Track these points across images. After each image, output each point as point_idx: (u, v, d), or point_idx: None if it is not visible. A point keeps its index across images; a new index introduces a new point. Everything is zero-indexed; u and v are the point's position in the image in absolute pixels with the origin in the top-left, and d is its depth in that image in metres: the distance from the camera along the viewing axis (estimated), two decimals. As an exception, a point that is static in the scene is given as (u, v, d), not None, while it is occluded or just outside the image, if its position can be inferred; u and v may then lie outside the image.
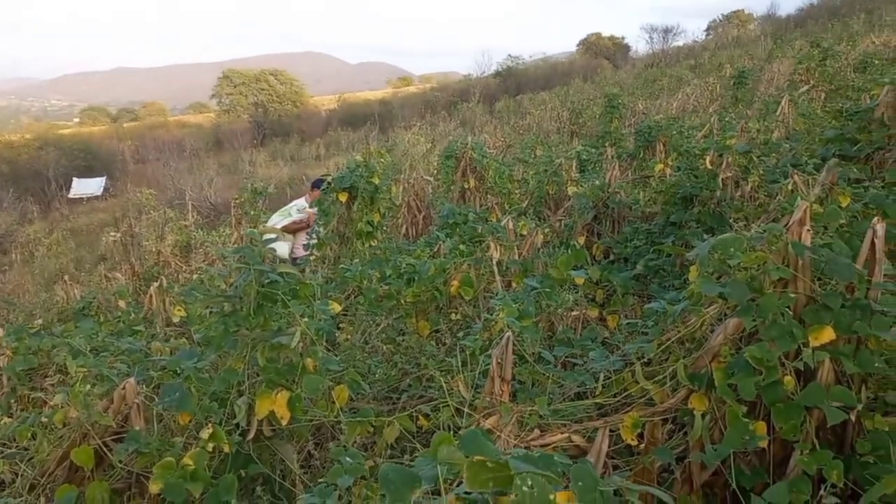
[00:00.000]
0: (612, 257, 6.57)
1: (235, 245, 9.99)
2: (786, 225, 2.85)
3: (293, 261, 8.61)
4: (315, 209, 8.43)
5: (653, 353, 2.84)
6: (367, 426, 3.31)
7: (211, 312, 3.31)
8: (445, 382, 2.99)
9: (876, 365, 2.56)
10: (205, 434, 2.55)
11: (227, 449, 2.60)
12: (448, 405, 2.81)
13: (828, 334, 2.59)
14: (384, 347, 4.48)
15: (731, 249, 2.78)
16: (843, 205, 4.17)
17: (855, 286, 2.72)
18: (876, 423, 2.58)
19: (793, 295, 2.71)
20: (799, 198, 4.15)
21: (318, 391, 3.10)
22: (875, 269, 2.76)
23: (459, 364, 3.14)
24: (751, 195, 5.50)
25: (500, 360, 2.74)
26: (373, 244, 7.42)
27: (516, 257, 5.63)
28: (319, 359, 3.29)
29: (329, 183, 7.66)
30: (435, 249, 6.16)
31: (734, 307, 2.75)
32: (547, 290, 4.19)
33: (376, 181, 7.76)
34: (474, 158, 9.48)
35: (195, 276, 9.27)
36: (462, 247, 5.80)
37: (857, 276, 2.69)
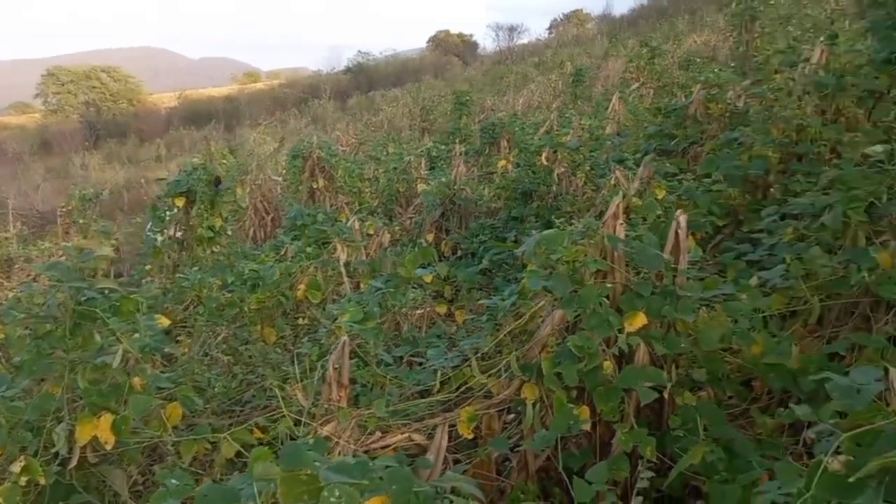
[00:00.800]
0: (459, 253, 6.74)
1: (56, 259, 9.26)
2: (602, 219, 3.05)
3: None
4: None
5: (487, 348, 2.94)
6: (204, 443, 3.20)
7: (28, 334, 3.07)
8: (282, 391, 2.94)
9: (682, 345, 2.80)
10: (16, 467, 2.36)
11: (42, 481, 2.42)
12: (285, 416, 2.77)
13: (640, 320, 2.80)
14: (224, 359, 4.33)
15: (555, 245, 2.93)
16: (660, 197, 4.52)
17: (663, 274, 2.96)
18: (685, 399, 2.82)
19: (610, 285, 2.91)
20: (620, 192, 4.46)
21: (146, 411, 2.96)
22: (680, 257, 3.01)
23: (297, 372, 3.11)
24: (581, 190, 5.82)
25: (336, 366, 2.74)
26: (215, 250, 7.16)
27: (364, 258, 5.64)
28: (148, 377, 3.14)
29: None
30: (281, 253, 6.05)
31: (559, 299, 2.91)
32: (391, 290, 4.23)
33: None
34: (322, 158, 9.37)
35: (11, 294, 8.50)
36: (309, 249, 5.73)
37: (665, 265, 2.92)
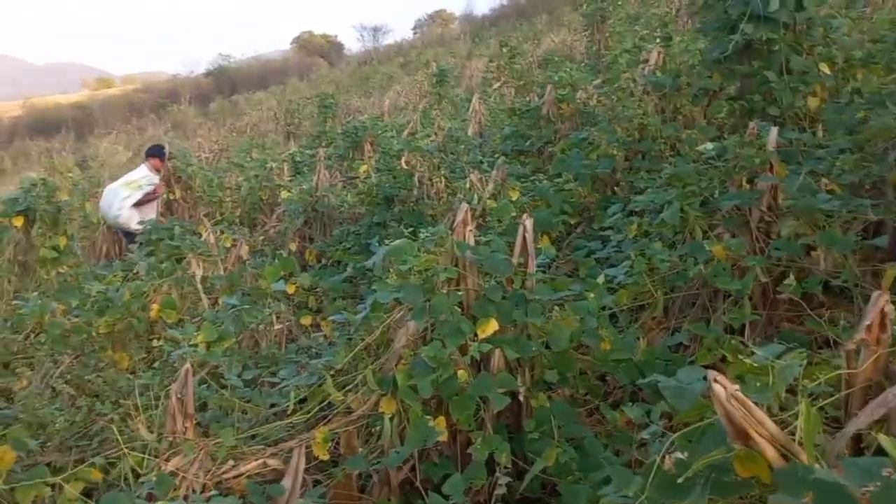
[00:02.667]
0: (324, 261, 6.60)
1: None
2: (451, 226, 3.05)
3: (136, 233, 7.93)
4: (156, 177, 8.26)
5: (341, 364, 2.86)
6: (43, 487, 2.92)
7: None
8: (122, 427, 2.74)
9: (534, 348, 2.84)
10: None
11: None
12: (126, 452, 2.57)
13: (492, 326, 2.81)
14: (67, 390, 4.00)
15: (405, 255, 2.89)
16: (514, 198, 4.59)
17: (513, 279, 2.99)
18: (540, 402, 2.86)
19: (461, 293, 2.90)
20: (475, 196, 4.49)
21: (-32, 461, 2.67)
22: (529, 261, 3.06)
23: (140, 403, 2.90)
24: (441, 193, 5.84)
25: (180, 396, 2.57)
26: (61, 271, 6.63)
27: (222, 272, 5.39)
28: (-29, 422, 2.84)
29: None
30: (133, 272, 5.67)
31: (411, 310, 2.87)
32: (247, 305, 4.05)
33: (64, 198, 6.96)
34: (178, 167, 8.90)
35: None
36: (163, 265, 5.41)
37: (514, 270, 2.95)
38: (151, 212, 8.19)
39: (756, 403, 1.59)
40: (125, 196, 8.06)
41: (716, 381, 1.52)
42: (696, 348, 3.34)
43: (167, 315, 4.89)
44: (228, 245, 5.47)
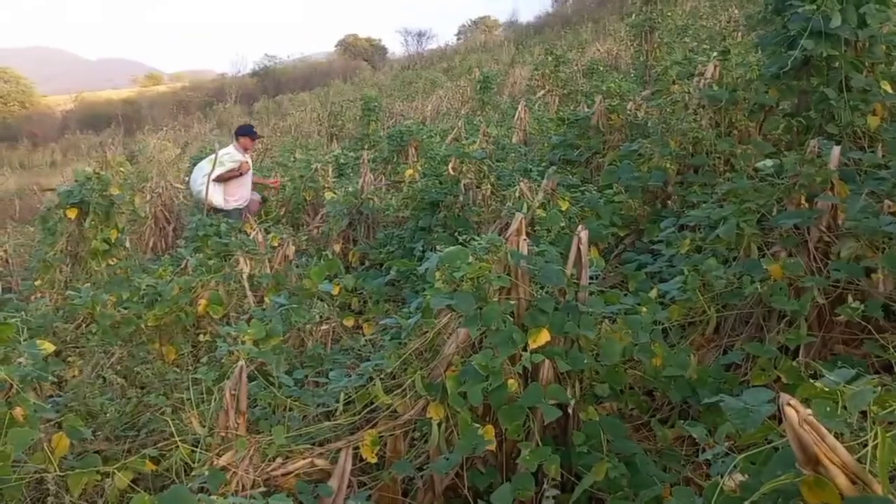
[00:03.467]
0: (367, 263, 6.64)
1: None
2: (506, 235, 3.04)
3: (227, 211, 8.23)
4: (247, 158, 8.52)
5: (391, 368, 2.87)
6: (94, 475, 2.99)
7: None
8: (174, 420, 2.78)
9: (585, 361, 2.82)
10: None
11: None
12: (179, 445, 2.62)
13: (544, 336, 2.80)
14: (118, 381, 4.08)
15: (458, 262, 2.89)
16: (563, 208, 4.57)
17: (566, 290, 2.97)
18: (589, 415, 2.84)
19: (513, 302, 2.89)
20: (525, 205, 4.48)
21: (27, 445, 2.74)
22: (582, 272, 3.04)
23: (193, 397, 2.94)
24: (488, 200, 5.84)
25: (233, 392, 2.60)
26: (111, 263, 6.78)
27: (268, 270, 5.45)
28: (30, 406, 2.91)
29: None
30: (182, 266, 5.78)
31: (463, 317, 2.87)
32: (294, 305, 4.09)
33: (115, 192, 7.11)
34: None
35: None
36: (210, 262, 5.50)
37: (567, 281, 2.94)
38: (239, 190, 8.48)
39: (827, 429, 1.56)
40: (207, 172, 8.30)
41: (789, 404, 1.49)
42: (748, 368, 3.28)
43: (214, 311, 4.98)
44: (275, 244, 5.52)
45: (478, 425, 2.66)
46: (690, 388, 2.91)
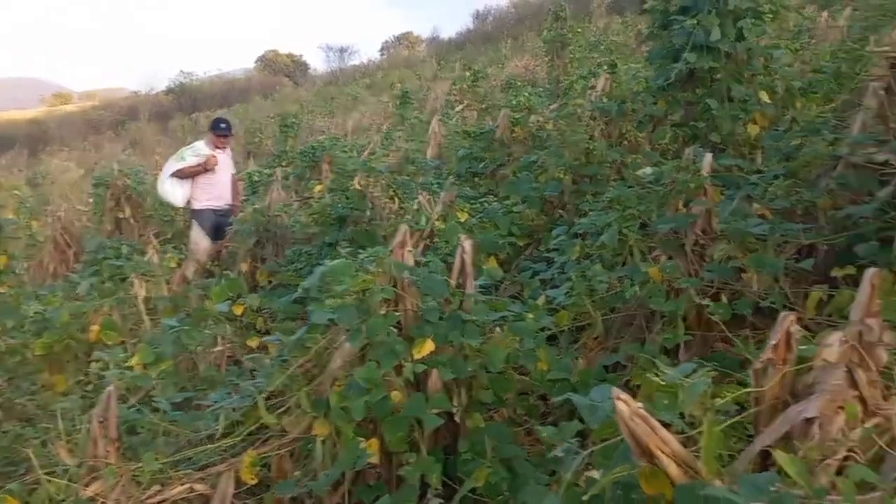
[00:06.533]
0: (276, 282, 6.54)
1: None
2: (391, 247, 3.06)
3: (193, 212, 7.36)
4: (217, 152, 7.48)
5: (273, 387, 2.84)
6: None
7: None
8: (43, 451, 2.67)
9: (469, 369, 2.85)
10: None
11: None
12: (45, 478, 2.51)
13: (428, 346, 2.82)
14: (-3, 414, 3.89)
15: (341, 276, 2.89)
16: (462, 220, 4.63)
17: (450, 300, 3.01)
18: (475, 422, 2.87)
19: (398, 313, 2.91)
20: (424, 217, 4.52)
21: None
22: (467, 281, 3.08)
23: (63, 427, 2.83)
24: (396, 214, 5.86)
25: (101, 419, 2.52)
26: (1, 291, 6.47)
27: (166, 292, 5.31)
28: None
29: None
30: (76, 292, 5.56)
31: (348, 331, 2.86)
32: (186, 328, 3.99)
33: (7, 216, 6.81)
34: (129, 185, 8.80)
35: None
36: (105, 286, 5.32)
37: (451, 291, 2.97)
38: (211, 190, 7.56)
39: (662, 422, 1.62)
40: (166, 168, 7.48)
41: (619, 399, 1.55)
42: (631, 369, 3.38)
43: (108, 337, 4.80)
44: (173, 265, 5.38)
45: (362, 439, 2.65)
46: (574, 390, 2.98)
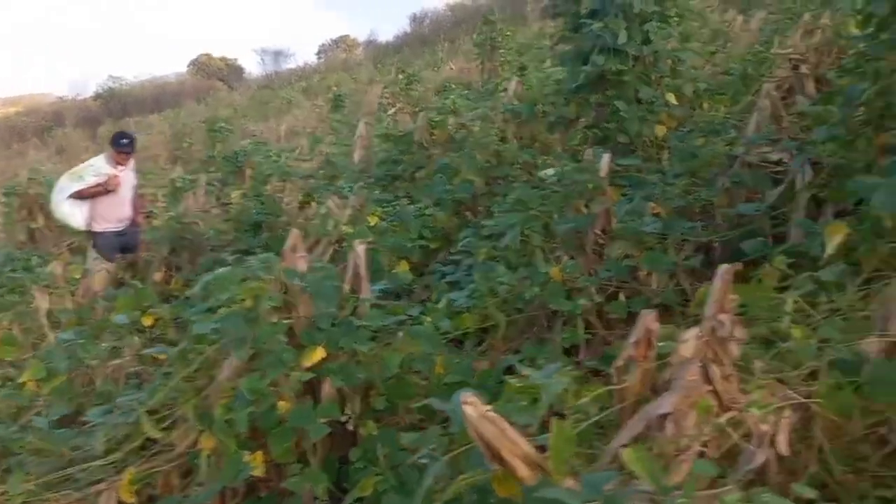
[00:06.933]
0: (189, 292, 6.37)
1: None
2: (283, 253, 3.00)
3: (94, 234, 6.58)
4: (120, 171, 6.61)
5: (155, 401, 2.75)
6: None
7: None
8: None
9: (360, 376, 2.81)
10: None
11: None
12: None
13: (319, 354, 2.77)
14: None
15: (227, 284, 2.82)
16: (373, 224, 4.59)
17: (344, 305, 2.97)
18: (368, 430, 2.83)
19: (287, 321, 2.85)
20: (333, 222, 4.46)
21: None
22: (361, 286, 3.05)
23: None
24: (311, 219, 5.77)
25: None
26: None
27: (70, 305, 5.11)
28: None
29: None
30: (-26, 306, 5.30)
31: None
32: (83, 340, 3.84)
33: None
34: (41, 194, 8.46)
35: None
36: (4, 298, 5.10)
37: (343, 297, 2.93)
38: (113, 210, 6.77)
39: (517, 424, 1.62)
40: (62, 187, 6.70)
41: (467, 402, 1.53)
42: (533, 369, 3.39)
43: (5, 352, 4.59)
44: (78, 276, 5.19)
45: (246, 452, 2.58)
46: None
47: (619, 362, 1.88)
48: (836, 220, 2.72)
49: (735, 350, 1.82)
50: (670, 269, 3.33)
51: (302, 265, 2.98)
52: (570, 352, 3.48)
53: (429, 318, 3.16)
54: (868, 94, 3.14)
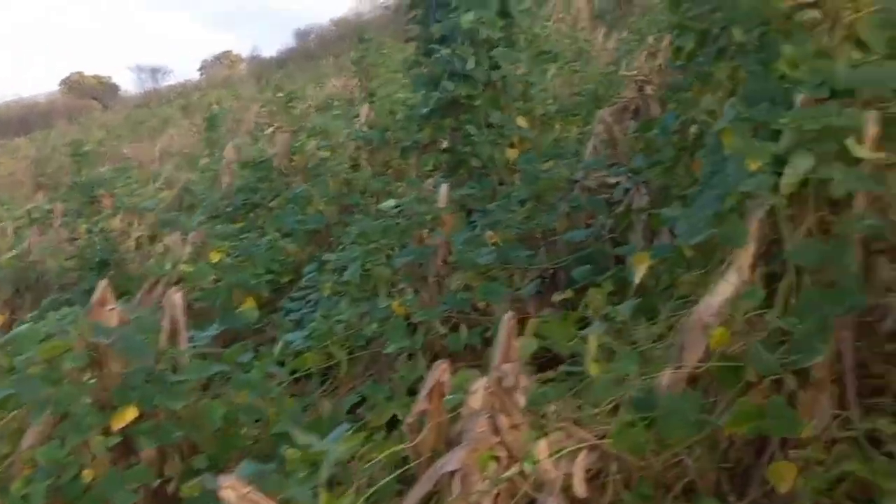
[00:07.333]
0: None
1: None
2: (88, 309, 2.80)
3: None
4: None
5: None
6: None
7: None
8: None
9: (176, 434, 2.65)
10: None
11: None
12: None
13: (131, 413, 2.59)
14: None
15: (27, 343, 2.60)
16: (216, 261, 4.40)
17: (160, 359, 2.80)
18: (189, 491, 2.67)
19: (94, 381, 2.66)
20: (171, 260, 4.24)
21: None
22: (179, 338, 2.89)
23: None
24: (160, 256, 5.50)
25: None
26: None
27: None
28: None
29: None
30: None
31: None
32: None
33: None
34: None
35: None
36: None
37: (158, 352, 2.77)
38: None
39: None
40: None
41: (226, 487, 1.44)
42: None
43: None
44: None
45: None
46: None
47: (411, 418, 1.83)
48: (643, 251, 2.81)
49: (522, 399, 1.82)
50: (498, 299, 3.35)
51: (112, 319, 2.79)
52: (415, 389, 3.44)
53: (257, 364, 3.03)
54: (678, 123, 3.28)
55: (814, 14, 2.65)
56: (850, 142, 2.30)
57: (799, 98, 2.43)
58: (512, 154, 5.40)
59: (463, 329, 3.47)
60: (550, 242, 4.10)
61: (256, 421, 3.02)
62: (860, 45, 2.66)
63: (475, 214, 4.33)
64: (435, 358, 3.56)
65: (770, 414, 1.97)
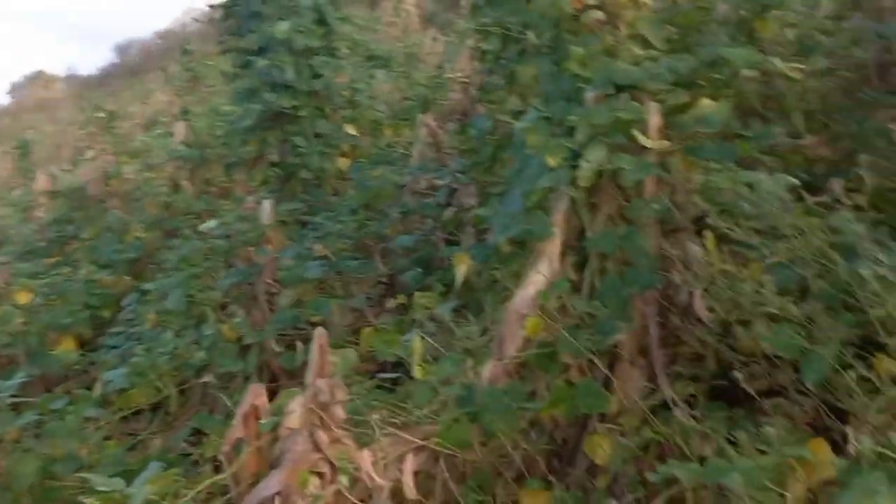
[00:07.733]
0: None
1: None
2: None
3: None
4: None
5: None
6: None
7: None
8: None
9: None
10: None
11: None
12: None
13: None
14: None
15: None
16: (22, 302, 4.04)
17: None
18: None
19: None
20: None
21: None
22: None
23: None
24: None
25: None
26: None
27: None
28: None
29: None
30: None
31: None
32: None
33: None
34: None
35: None
36: None
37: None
38: None
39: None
40: None
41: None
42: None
43: None
44: None
45: None
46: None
47: (226, 447, 1.76)
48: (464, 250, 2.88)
49: (341, 412, 1.80)
50: (324, 313, 3.32)
51: None
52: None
53: (73, 409, 2.81)
54: (491, 125, 3.39)
55: (598, 14, 2.84)
56: (636, 132, 2.48)
57: (589, 95, 2.58)
58: (344, 163, 5.37)
59: (299, 346, 3.39)
60: (385, 249, 4.11)
61: (79, 469, 2.81)
62: (643, 42, 2.89)
63: (309, 227, 4.25)
64: (273, 379, 3.49)
65: (580, 393, 2.07)
